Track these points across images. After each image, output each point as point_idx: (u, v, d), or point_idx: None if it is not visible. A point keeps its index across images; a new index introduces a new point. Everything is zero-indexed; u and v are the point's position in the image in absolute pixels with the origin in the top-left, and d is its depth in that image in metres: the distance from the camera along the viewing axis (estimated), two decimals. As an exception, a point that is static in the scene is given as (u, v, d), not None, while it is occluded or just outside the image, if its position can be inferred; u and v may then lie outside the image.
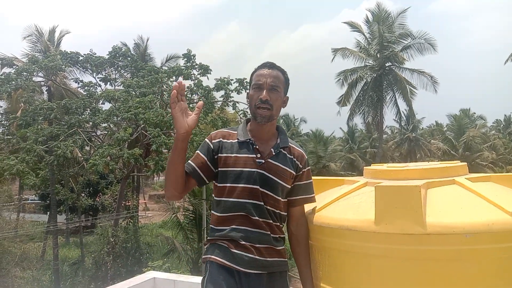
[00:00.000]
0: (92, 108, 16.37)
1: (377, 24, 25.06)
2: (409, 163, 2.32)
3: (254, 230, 1.74)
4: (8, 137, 16.85)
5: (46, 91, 20.78)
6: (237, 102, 16.71)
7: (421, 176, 1.82)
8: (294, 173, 1.84)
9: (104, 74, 17.64)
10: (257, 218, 1.75)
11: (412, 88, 25.55)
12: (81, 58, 17.37)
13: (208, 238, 1.86)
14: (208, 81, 17.08)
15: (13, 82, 15.99)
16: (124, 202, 22.78)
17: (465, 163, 2.01)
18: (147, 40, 26.13)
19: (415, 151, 32.52)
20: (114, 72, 18.16)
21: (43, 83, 19.40)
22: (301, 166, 1.87)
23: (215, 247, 1.79)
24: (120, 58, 17.84)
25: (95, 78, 17.68)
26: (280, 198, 1.80)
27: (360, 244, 1.62)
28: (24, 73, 16.37)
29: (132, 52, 20.48)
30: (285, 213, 1.87)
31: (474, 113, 41.34)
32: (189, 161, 1.81)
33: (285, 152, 1.84)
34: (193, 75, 16.85)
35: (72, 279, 19.15)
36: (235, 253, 1.73)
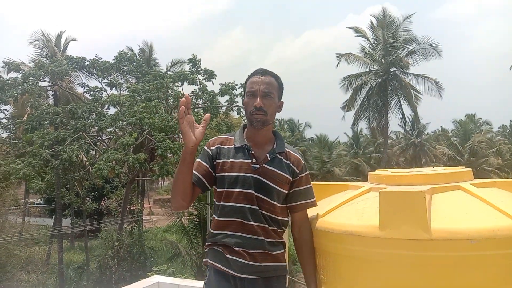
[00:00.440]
0: (97, 113, 16.49)
1: (381, 29, 25.05)
2: (414, 168, 2.31)
3: (247, 236, 1.76)
4: (14, 141, 17.03)
5: (52, 95, 20.87)
6: (242, 107, 16.73)
7: (426, 181, 1.82)
8: (290, 178, 1.85)
9: (109, 79, 17.78)
10: (251, 223, 1.76)
11: (417, 93, 25.47)
12: (87, 63, 17.53)
13: (207, 242, 1.89)
14: (213, 86, 17.18)
15: (20, 87, 16.15)
16: (129, 207, 22.83)
17: (470, 168, 2.00)
18: (152, 45, 26.22)
19: (420, 157, 32.31)
20: (119, 77, 18.30)
21: (49, 87, 19.59)
22: (297, 171, 1.87)
23: (213, 252, 1.84)
24: (126, 63, 17.98)
25: (100, 83, 17.84)
26: (276, 203, 1.81)
27: (365, 249, 1.62)
28: (31, 78, 16.52)
29: (137, 57, 20.57)
30: (284, 218, 1.88)
31: (480, 118, 41.10)
32: (193, 170, 1.83)
33: (281, 157, 1.86)
34: (198, 80, 16.93)
35: (76, 283, 19.19)
36: (230, 258, 1.76)
